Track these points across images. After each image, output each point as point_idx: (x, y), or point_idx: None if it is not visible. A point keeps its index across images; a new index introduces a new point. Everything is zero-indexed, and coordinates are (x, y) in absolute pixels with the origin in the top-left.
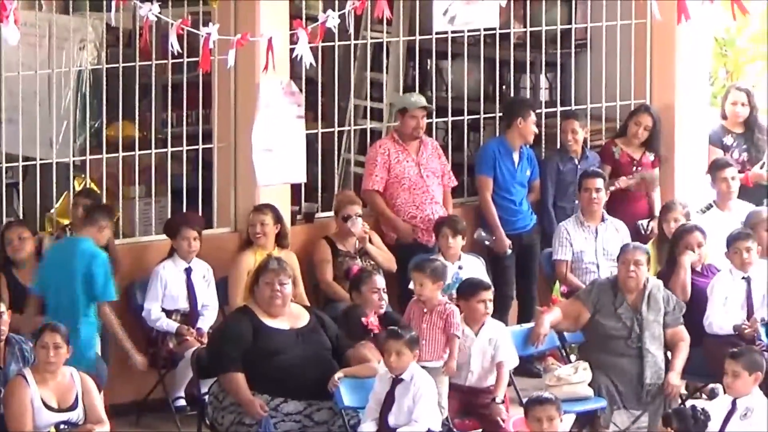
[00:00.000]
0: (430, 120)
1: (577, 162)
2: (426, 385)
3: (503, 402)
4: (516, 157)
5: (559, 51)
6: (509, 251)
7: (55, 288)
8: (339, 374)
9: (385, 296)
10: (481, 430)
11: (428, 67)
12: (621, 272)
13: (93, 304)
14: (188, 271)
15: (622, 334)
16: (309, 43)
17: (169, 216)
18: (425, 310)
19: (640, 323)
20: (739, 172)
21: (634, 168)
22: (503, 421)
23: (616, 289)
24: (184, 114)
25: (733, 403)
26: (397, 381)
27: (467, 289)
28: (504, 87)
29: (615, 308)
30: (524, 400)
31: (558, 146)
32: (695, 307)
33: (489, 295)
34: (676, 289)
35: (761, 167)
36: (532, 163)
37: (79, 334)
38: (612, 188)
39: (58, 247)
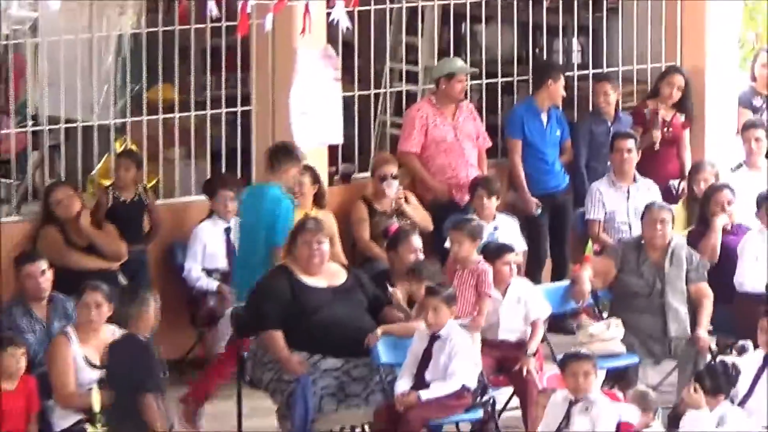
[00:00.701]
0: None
1: (609, 124)
2: (462, 342)
3: (534, 355)
4: (544, 117)
5: (591, 15)
6: (538, 211)
7: (245, 231)
8: (377, 332)
9: (422, 256)
10: (513, 386)
11: (462, 31)
12: (647, 231)
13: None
14: (227, 231)
15: (644, 291)
16: (345, 7)
17: (208, 177)
18: (459, 269)
19: (662, 279)
20: None
21: (666, 128)
22: (528, 371)
23: (640, 247)
24: (223, 77)
25: (765, 359)
26: (434, 338)
27: (492, 252)
28: (537, 50)
29: (638, 266)
30: (557, 357)
31: (590, 109)
32: (725, 266)
33: (513, 257)
34: (706, 249)
35: None
36: (561, 124)
37: (254, 276)
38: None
39: (250, 192)
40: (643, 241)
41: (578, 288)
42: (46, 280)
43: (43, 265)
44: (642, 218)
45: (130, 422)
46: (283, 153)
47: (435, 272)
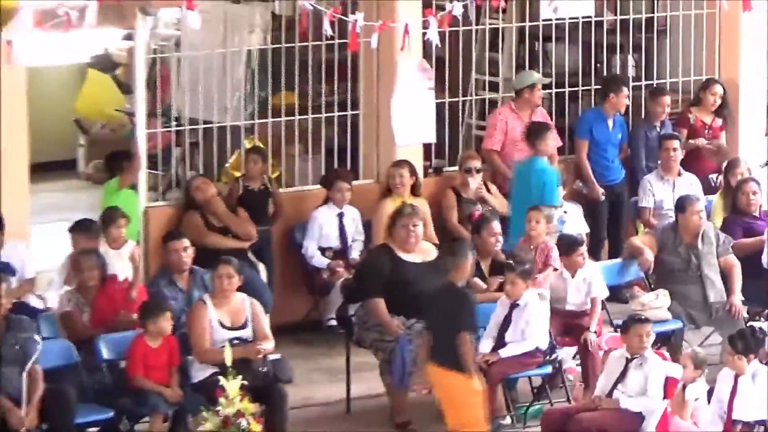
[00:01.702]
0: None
1: (658, 129)
2: (538, 310)
3: (596, 331)
4: (610, 123)
5: (643, 35)
6: (602, 198)
7: (518, 196)
8: None
9: (501, 238)
10: (576, 348)
11: (536, 48)
12: (691, 220)
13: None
14: (340, 216)
15: (683, 267)
16: (438, 28)
17: (323, 170)
18: (531, 247)
19: (697, 256)
20: None
21: (706, 131)
22: (591, 344)
23: (675, 231)
24: (336, 86)
25: None
26: (513, 305)
27: (567, 247)
28: (598, 65)
29: (675, 247)
30: (614, 322)
31: (643, 116)
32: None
33: (584, 248)
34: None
35: None
36: (623, 128)
37: None
38: (698, 141)
39: (520, 167)
40: (677, 227)
41: (644, 259)
42: (188, 255)
43: (186, 242)
44: (680, 209)
45: (448, 355)
46: (542, 129)
47: (527, 258)
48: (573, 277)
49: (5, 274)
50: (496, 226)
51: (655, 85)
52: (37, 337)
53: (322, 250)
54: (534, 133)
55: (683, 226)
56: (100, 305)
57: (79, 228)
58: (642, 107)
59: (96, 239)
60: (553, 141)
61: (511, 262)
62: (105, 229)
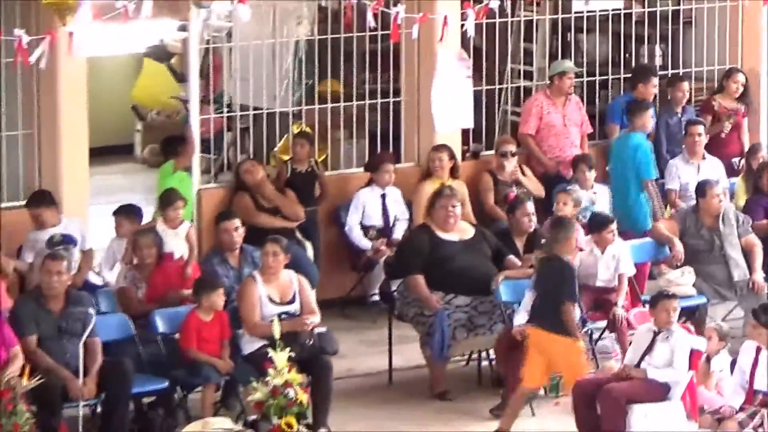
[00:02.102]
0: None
1: (679, 115)
2: None
3: (624, 306)
4: None
5: (670, 27)
6: None
7: (617, 172)
8: (500, 276)
9: (534, 218)
10: (605, 321)
11: (568, 39)
12: (711, 203)
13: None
14: (383, 196)
15: (706, 248)
16: (475, 20)
17: (366, 154)
18: None
19: (719, 237)
20: None
21: (729, 118)
22: (619, 318)
23: (697, 215)
24: (379, 74)
25: None
26: None
27: (599, 225)
28: (627, 55)
29: (697, 230)
30: (643, 297)
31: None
32: None
33: (614, 226)
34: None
35: None
36: (653, 114)
37: (631, 209)
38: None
39: (617, 143)
40: (698, 211)
41: (675, 250)
42: (239, 234)
43: (237, 222)
44: (701, 194)
45: (554, 321)
46: (641, 106)
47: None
48: (603, 253)
49: (67, 244)
50: (530, 206)
51: (681, 74)
52: (92, 311)
53: (366, 229)
54: (632, 110)
55: (704, 210)
56: (155, 282)
57: (123, 212)
58: (667, 95)
59: (138, 223)
60: (651, 118)
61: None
62: (163, 210)
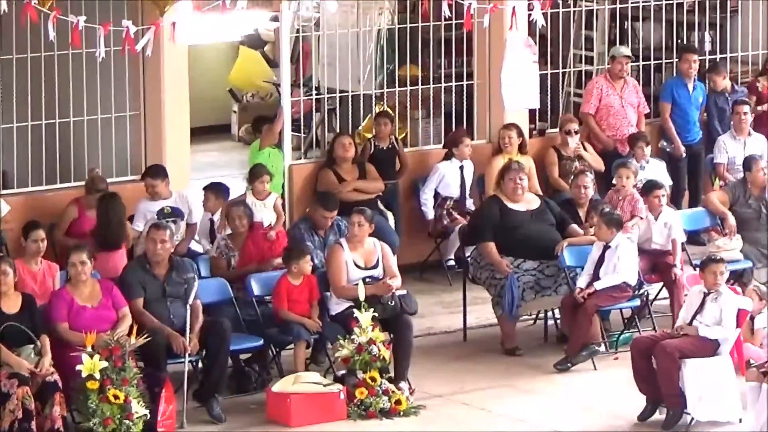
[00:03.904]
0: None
1: (727, 95)
2: (627, 251)
3: (678, 266)
4: (690, 87)
5: (718, 15)
6: (683, 155)
7: None
8: (564, 243)
9: (591, 188)
10: (662, 282)
11: (625, 27)
12: (757, 176)
13: None
14: (461, 168)
15: (754, 216)
16: (541, 9)
17: (442, 132)
18: (620, 198)
19: (766, 206)
20: None
21: None
22: (676, 277)
23: (745, 186)
24: (453, 60)
25: None
26: (606, 247)
27: (647, 189)
28: (679, 41)
29: (746, 200)
30: (694, 262)
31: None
32: None
33: (662, 192)
34: None
35: None
36: (704, 92)
37: None
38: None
39: None
40: (746, 183)
41: (728, 223)
42: (332, 219)
43: (335, 213)
44: (747, 168)
45: None
46: None
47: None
48: (656, 219)
49: (176, 217)
50: (585, 179)
51: (728, 58)
52: (193, 276)
53: (444, 199)
54: None
55: (751, 182)
56: (247, 249)
57: (211, 188)
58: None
59: (224, 199)
60: None
61: (603, 210)
62: (252, 183)
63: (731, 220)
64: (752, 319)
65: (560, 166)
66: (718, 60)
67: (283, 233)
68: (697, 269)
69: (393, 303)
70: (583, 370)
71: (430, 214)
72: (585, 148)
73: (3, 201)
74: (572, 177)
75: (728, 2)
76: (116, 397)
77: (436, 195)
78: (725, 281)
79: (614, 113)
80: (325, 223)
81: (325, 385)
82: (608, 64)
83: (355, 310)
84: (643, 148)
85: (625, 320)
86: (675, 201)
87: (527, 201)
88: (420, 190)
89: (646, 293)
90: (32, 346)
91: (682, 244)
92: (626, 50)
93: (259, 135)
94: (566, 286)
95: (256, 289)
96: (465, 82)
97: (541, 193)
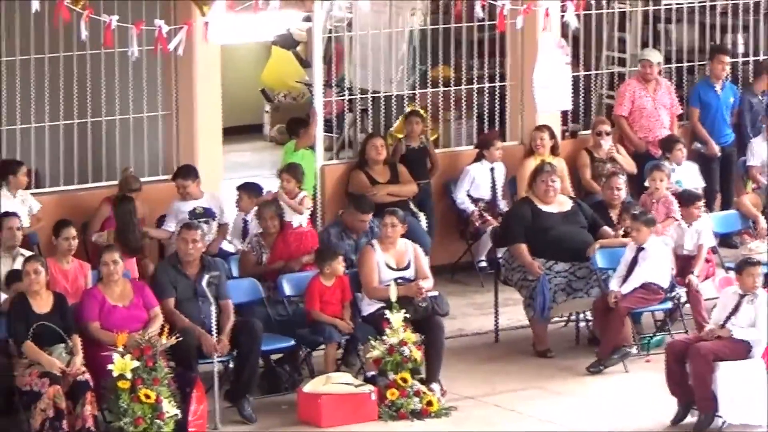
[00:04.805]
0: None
1: (760, 97)
2: (660, 253)
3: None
4: (718, 88)
5: (751, 17)
6: (718, 155)
7: None
8: (596, 245)
9: (624, 190)
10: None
11: (658, 29)
12: None
13: None
14: (492, 170)
15: None
16: (574, 11)
17: (474, 133)
18: (654, 200)
19: None
20: None
21: None
22: (693, 285)
23: None
24: (486, 61)
25: None
26: (639, 249)
27: (688, 201)
28: (712, 43)
29: None
30: (725, 264)
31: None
32: None
33: (701, 203)
34: None
35: None
36: (735, 94)
37: None
38: None
39: None
40: None
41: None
42: (367, 222)
43: (370, 216)
44: None
45: None
46: None
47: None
48: (689, 226)
49: (208, 218)
50: (618, 181)
51: (761, 60)
52: (223, 275)
53: (475, 201)
54: None
55: None
56: (278, 248)
57: (244, 188)
58: (749, 79)
59: (257, 198)
60: None
61: (636, 212)
62: (280, 176)
63: (763, 223)
64: None
65: (592, 168)
66: (761, 61)
67: (314, 232)
68: (731, 272)
69: (425, 304)
70: (614, 373)
71: (470, 208)
72: (618, 150)
73: (34, 200)
74: (604, 179)
75: (762, 4)
76: (147, 396)
77: (468, 196)
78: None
79: (647, 115)
80: (362, 227)
81: (356, 386)
82: (634, 66)
83: (386, 311)
84: (682, 150)
85: (657, 323)
86: (707, 203)
87: (559, 203)
88: (452, 192)
89: (677, 296)
90: (63, 345)
91: (714, 247)
92: (652, 53)
93: (295, 137)
94: (598, 288)
95: (287, 289)
96: (497, 84)
97: (573, 195)
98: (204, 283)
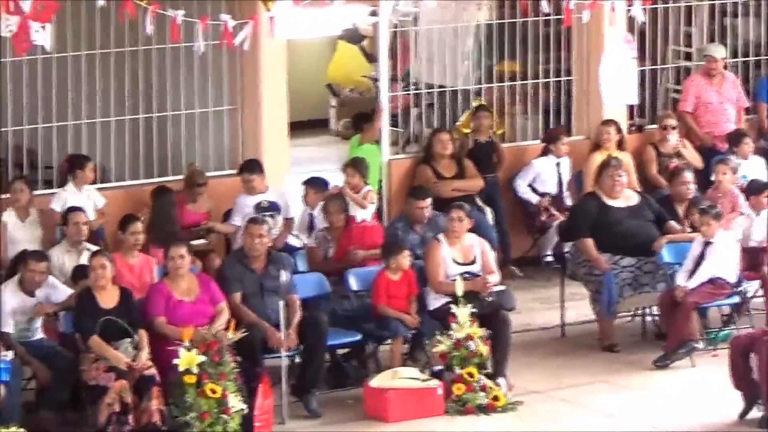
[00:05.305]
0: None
1: None
2: (727, 247)
3: None
4: None
5: None
6: None
7: None
8: (663, 240)
9: (693, 186)
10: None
11: (724, 23)
12: None
13: None
14: (558, 165)
15: None
16: (641, 5)
17: (540, 128)
18: (719, 195)
19: None
20: None
21: None
22: (765, 275)
23: None
24: (552, 55)
25: None
26: (707, 243)
27: (757, 189)
28: None
29: None
30: None
31: None
32: None
33: None
34: None
35: None
36: None
37: None
38: None
39: None
40: None
41: None
42: (428, 210)
43: (428, 202)
44: None
45: None
46: None
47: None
48: (758, 215)
49: (273, 211)
50: (687, 176)
51: None
52: (283, 272)
53: (541, 195)
54: None
55: None
56: (343, 243)
57: (311, 182)
58: None
59: (323, 192)
60: None
61: (705, 206)
62: (345, 170)
63: None
64: None
65: (658, 163)
66: None
67: (378, 227)
68: None
69: (491, 299)
70: (681, 368)
71: (532, 197)
72: (684, 145)
73: (99, 195)
74: (671, 174)
75: None
76: (213, 391)
77: (534, 191)
78: None
79: (712, 110)
80: (421, 214)
81: (422, 381)
82: (701, 59)
83: (452, 306)
84: (749, 144)
85: (724, 317)
86: None
87: (626, 197)
88: (518, 186)
89: (744, 290)
90: (129, 340)
91: None
92: (716, 49)
93: (360, 132)
94: (664, 283)
95: (353, 284)
96: (563, 78)
97: (639, 189)
98: (284, 278)
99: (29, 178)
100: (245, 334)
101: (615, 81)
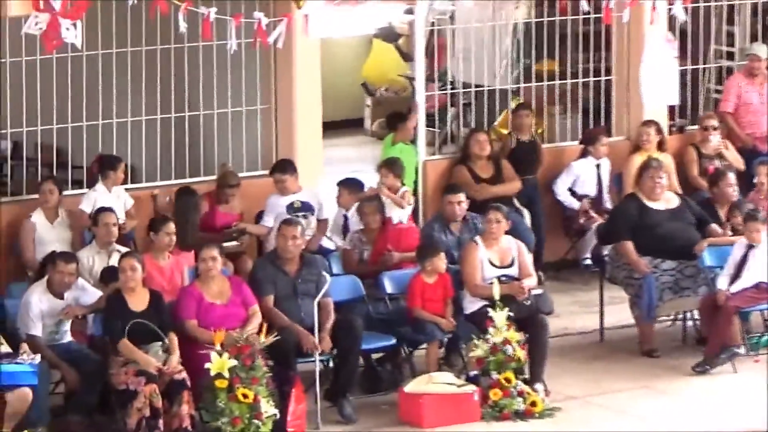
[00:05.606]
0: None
1: None
2: None
3: None
4: None
5: None
6: None
7: None
8: (703, 243)
9: (736, 188)
10: None
11: (766, 22)
12: None
13: None
14: (598, 167)
15: None
16: (682, 4)
17: (579, 128)
18: (762, 197)
19: None
20: None
21: None
22: None
23: None
24: (591, 54)
25: None
26: (750, 247)
27: None
28: None
29: None
30: None
31: None
32: None
33: None
34: None
35: None
36: None
37: None
38: None
39: None
40: None
41: None
42: (462, 208)
43: (462, 197)
44: None
45: None
46: None
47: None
48: None
49: (306, 212)
50: (732, 178)
51: None
52: (326, 274)
53: (580, 197)
54: None
55: None
56: (379, 244)
57: (345, 183)
58: None
59: (358, 193)
60: None
61: (751, 211)
62: (379, 171)
63: None
64: None
65: (699, 164)
66: None
67: (414, 229)
68: None
69: (528, 302)
70: (722, 373)
71: (571, 202)
72: (726, 146)
73: (128, 195)
74: (714, 176)
75: None
76: (245, 396)
77: (573, 194)
78: None
79: (753, 110)
80: (453, 210)
81: (458, 386)
82: (743, 59)
83: (489, 310)
84: None
85: (766, 322)
86: None
87: (666, 199)
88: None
89: None
90: (160, 343)
91: None
92: (760, 48)
93: (393, 131)
94: (705, 287)
95: (388, 287)
96: (603, 78)
97: (680, 192)
98: (324, 283)
99: (58, 178)
100: (277, 337)
101: (655, 81)
